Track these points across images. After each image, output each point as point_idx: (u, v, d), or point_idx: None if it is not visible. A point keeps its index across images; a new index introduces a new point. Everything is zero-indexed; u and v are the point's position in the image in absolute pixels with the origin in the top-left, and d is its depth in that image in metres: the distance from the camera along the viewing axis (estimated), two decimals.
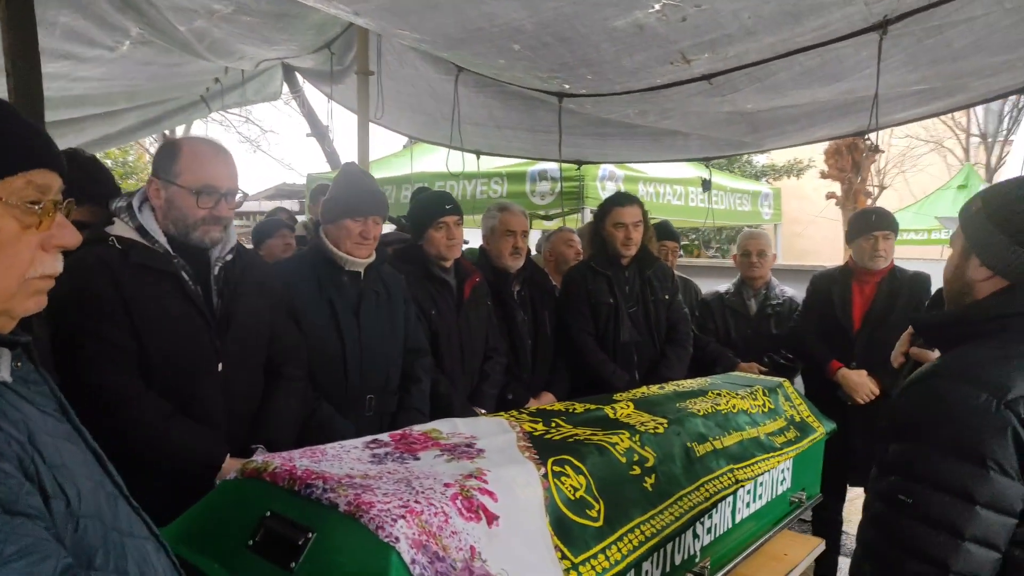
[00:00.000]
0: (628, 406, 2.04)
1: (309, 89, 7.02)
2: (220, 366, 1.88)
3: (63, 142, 2.87)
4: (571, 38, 3.21)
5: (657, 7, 2.88)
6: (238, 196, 1.94)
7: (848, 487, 3.50)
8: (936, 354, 1.58)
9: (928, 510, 1.11)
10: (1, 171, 0.87)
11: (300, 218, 6.93)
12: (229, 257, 1.96)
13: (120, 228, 1.81)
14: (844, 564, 3.89)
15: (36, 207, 0.89)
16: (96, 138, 6.01)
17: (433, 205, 2.83)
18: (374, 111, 4.89)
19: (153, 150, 14.51)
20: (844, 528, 3.70)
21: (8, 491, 0.78)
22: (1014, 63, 3.30)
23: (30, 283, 0.91)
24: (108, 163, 12.22)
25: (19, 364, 0.93)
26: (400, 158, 7.25)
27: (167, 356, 1.79)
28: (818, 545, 2.38)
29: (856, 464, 3.27)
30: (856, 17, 2.92)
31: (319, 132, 8.63)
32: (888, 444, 1.29)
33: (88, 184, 2.10)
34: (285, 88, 6.63)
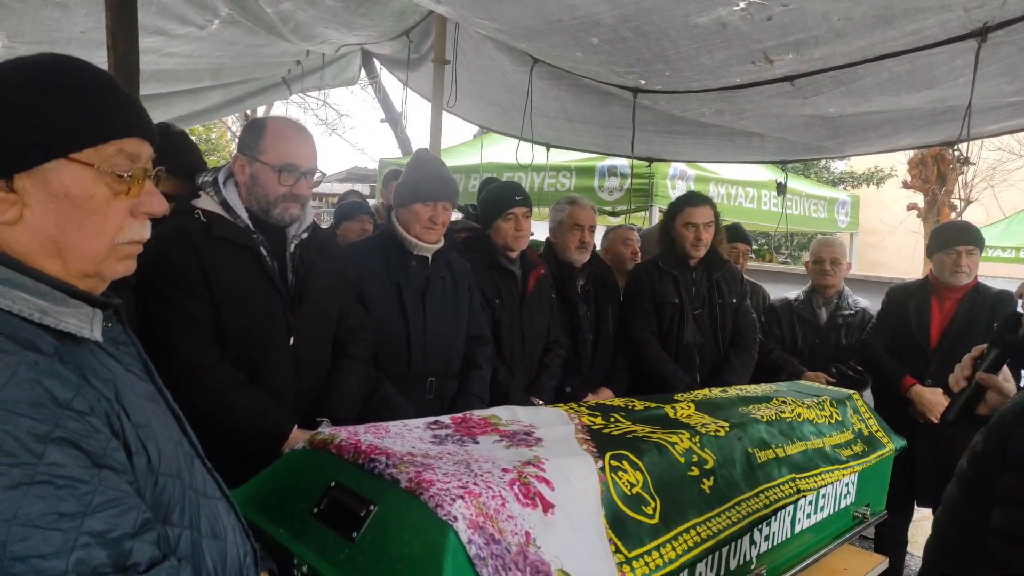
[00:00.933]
0: (689, 407, 2.02)
1: (385, 76, 7.16)
2: (291, 340, 1.94)
3: (151, 117, 3.00)
4: (650, 33, 3.17)
5: (742, 5, 2.82)
6: (316, 175, 1.99)
7: (915, 507, 3.37)
8: (1004, 380, 1.50)
9: None
10: (94, 138, 0.91)
11: (371, 202, 7.09)
12: (305, 235, 2.02)
13: (205, 202, 1.89)
14: None
15: (127, 174, 0.94)
16: (182, 115, 6.28)
17: (503, 195, 2.85)
18: (447, 99, 4.94)
19: (235, 129, 15.03)
20: (909, 549, 3.57)
21: (97, 445, 0.82)
22: None
23: (120, 248, 0.96)
24: (192, 139, 12.75)
25: (109, 324, 0.98)
26: (470, 147, 7.30)
27: (242, 328, 1.86)
28: (881, 563, 2.31)
29: (924, 484, 3.15)
30: (954, 23, 2.79)
31: (393, 118, 8.79)
32: (982, 471, 1.23)
33: (176, 157, 2.20)
34: (363, 73, 6.77)
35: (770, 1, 2.74)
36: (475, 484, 1.26)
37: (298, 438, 1.87)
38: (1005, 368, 1.51)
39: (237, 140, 2.05)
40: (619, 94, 4.18)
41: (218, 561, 1.01)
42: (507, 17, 3.37)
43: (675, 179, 5.35)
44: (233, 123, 14.52)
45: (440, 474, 1.29)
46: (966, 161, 3.41)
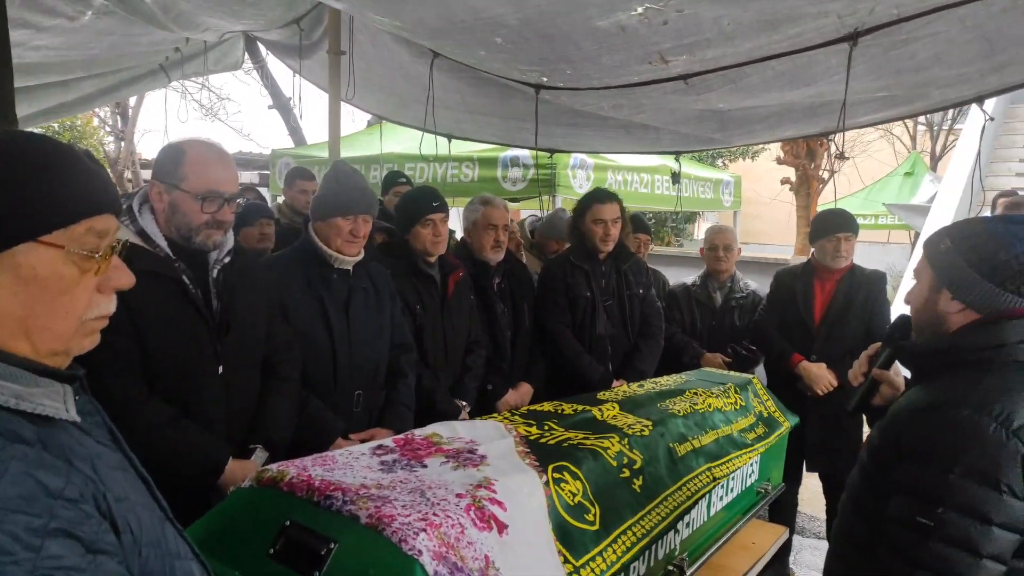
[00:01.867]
0: (614, 407, 2.14)
1: (273, 61, 6.89)
2: (220, 368, 1.91)
3: (18, 110, 2.78)
4: (553, 35, 3.25)
5: (640, 10, 2.94)
6: (239, 200, 1.95)
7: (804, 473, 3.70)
8: (896, 376, 1.70)
9: (950, 531, 1.21)
10: (64, 219, 0.89)
11: (264, 192, 6.83)
12: (227, 259, 1.97)
13: (121, 232, 1.80)
14: (798, 541, 4.14)
15: (96, 254, 0.92)
16: (52, 106, 5.81)
17: (420, 202, 2.86)
18: (345, 90, 4.84)
19: (104, 115, 13.96)
20: (798, 509, 3.92)
21: (90, 531, 0.82)
22: (969, 75, 3.48)
23: (87, 324, 0.95)
24: (55, 127, 11.74)
25: (77, 397, 0.96)
26: (368, 136, 7.18)
27: (170, 361, 1.81)
28: (783, 533, 2.55)
29: (813, 451, 3.47)
30: (829, 28, 3.03)
31: (281, 105, 8.48)
32: (879, 461, 1.40)
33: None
34: (247, 58, 6.48)
35: (666, 7, 2.88)
36: (435, 515, 1.31)
37: (234, 469, 1.86)
38: (897, 364, 1.71)
39: (152, 166, 1.95)
40: (521, 89, 4.24)
41: None
42: (408, 16, 3.35)
43: (576, 168, 5.50)
44: (100, 109, 13.51)
45: (399, 507, 1.34)
46: (843, 156, 3.72)
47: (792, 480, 3.57)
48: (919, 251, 1.51)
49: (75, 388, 0.96)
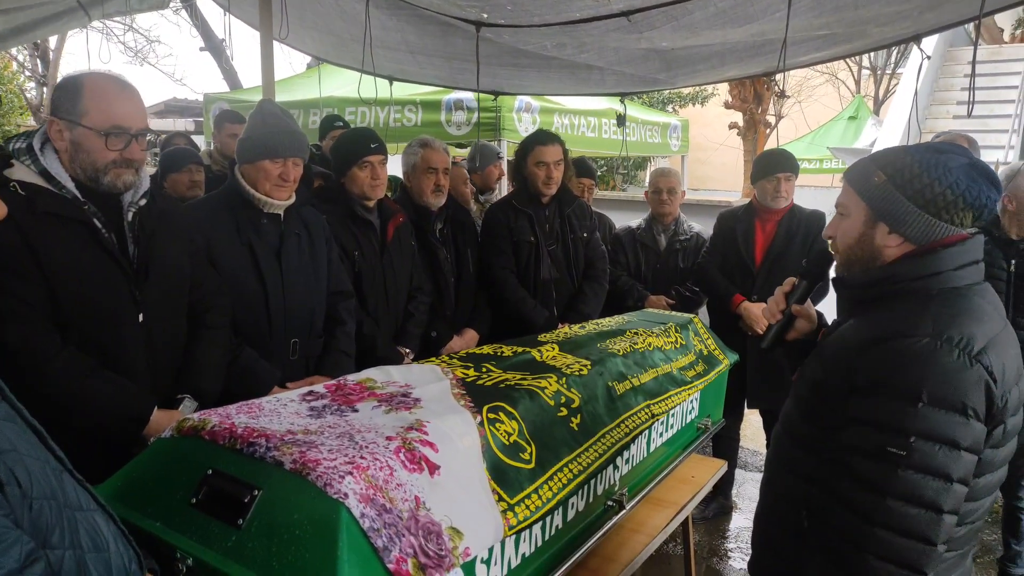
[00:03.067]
0: (553, 348, 2.13)
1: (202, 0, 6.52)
2: (140, 316, 1.82)
3: None
4: None
5: None
6: (149, 136, 1.83)
7: (745, 408, 3.80)
8: (810, 309, 1.70)
9: (921, 459, 1.22)
10: None
11: (199, 140, 6.55)
12: (143, 202, 1.86)
13: (22, 172, 1.68)
14: (740, 475, 4.28)
15: None
16: None
17: (357, 143, 2.75)
18: (278, 29, 4.60)
19: (22, 59, 13.12)
20: (741, 444, 4.05)
21: None
22: (907, 13, 3.48)
23: None
24: None
25: None
26: (307, 79, 6.89)
27: (84, 309, 1.71)
28: (721, 467, 2.61)
29: (754, 388, 3.55)
30: None
31: (214, 47, 8.08)
32: (824, 395, 1.40)
33: None
34: None
35: None
36: (362, 458, 1.28)
37: (160, 419, 1.79)
38: (808, 300, 1.71)
39: (50, 99, 1.81)
40: (462, 27, 4.10)
41: (104, 573, 0.98)
42: None
43: (521, 112, 5.39)
44: (19, 52, 12.66)
45: (325, 451, 1.30)
46: (782, 94, 3.72)
47: (734, 416, 3.67)
48: (844, 188, 1.49)
49: None
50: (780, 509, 1.53)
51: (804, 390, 1.49)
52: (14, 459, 0.87)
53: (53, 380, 1.63)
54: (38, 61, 12.97)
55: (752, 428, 4.74)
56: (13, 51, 12.20)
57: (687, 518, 2.63)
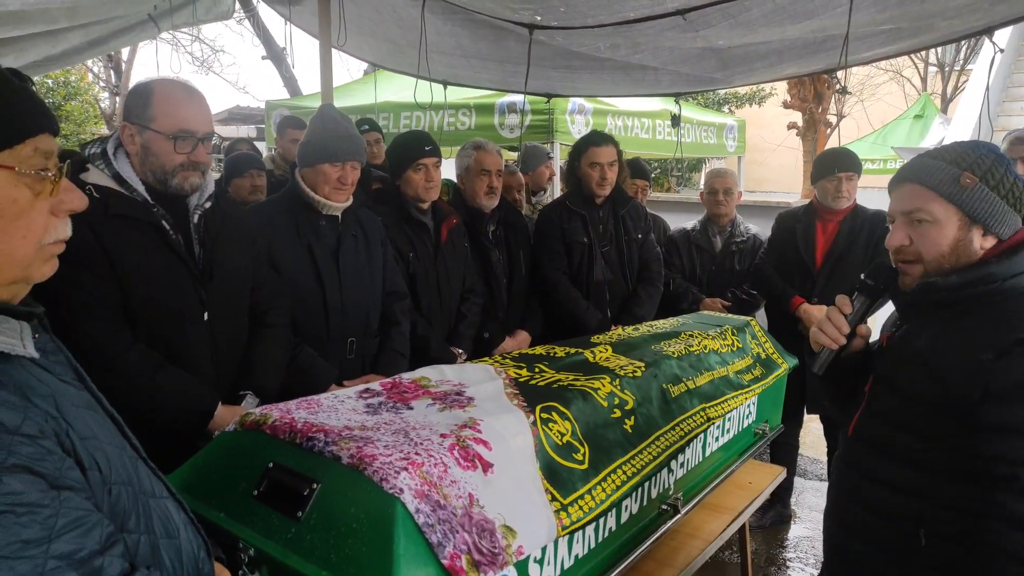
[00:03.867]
0: (607, 350, 2.12)
1: (264, 10, 6.71)
2: (206, 315, 1.88)
3: (4, 62, 2.71)
4: None
5: None
6: (214, 140, 1.90)
7: (805, 414, 3.70)
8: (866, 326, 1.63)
9: None
10: (9, 140, 0.87)
11: (261, 147, 6.75)
12: (208, 204, 1.93)
13: (96, 176, 1.76)
14: (799, 483, 4.17)
15: (47, 174, 0.90)
16: (38, 59, 5.68)
17: (412, 146, 2.80)
18: (336, 37, 4.71)
19: (97, 70, 13.75)
20: (801, 452, 3.94)
21: (52, 467, 0.81)
22: (977, 5, 3.34)
23: (45, 248, 0.93)
24: (48, 83, 11.57)
25: (37, 336, 0.94)
26: (363, 85, 7.03)
27: (152, 307, 1.78)
28: (780, 473, 2.55)
29: (813, 394, 3.45)
30: None
31: (275, 55, 8.29)
32: (912, 402, 1.36)
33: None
34: (238, 7, 6.31)
35: None
36: (417, 454, 1.30)
37: (224, 414, 1.85)
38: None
39: (123, 106, 1.90)
40: (515, 30, 4.12)
41: (175, 559, 1.02)
42: None
43: (574, 114, 5.38)
44: (94, 64, 13.28)
45: (381, 447, 1.32)
46: (845, 91, 3.61)
47: (793, 422, 3.57)
48: (915, 192, 1.42)
49: (33, 326, 0.94)
50: (867, 522, 1.47)
51: (893, 400, 1.43)
52: (95, 446, 0.91)
53: (124, 374, 1.70)
54: (111, 72, 13.59)
55: (812, 435, 4.61)
56: (89, 63, 12.81)
57: (744, 525, 2.57)
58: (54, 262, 0.96)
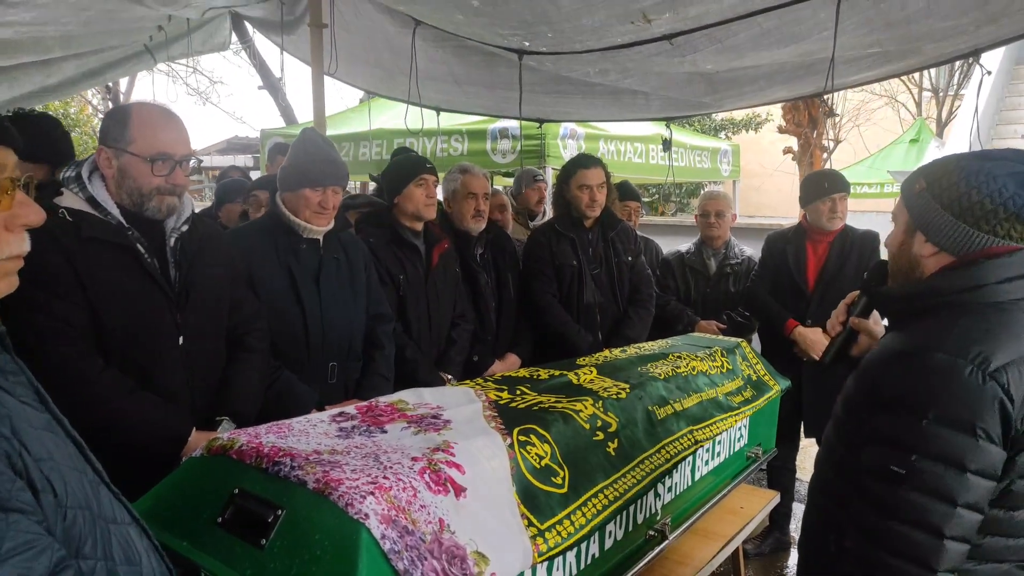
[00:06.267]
0: (591, 371, 2.08)
1: (260, 40, 6.78)
2: (181, 339, 1.85)
3: None
4: None
5: None
6: (192, 162, 1.88)
7: (802, 438, 3.64)
8: (874, 323, 1.63)
9: (923, 480, 1.15)
10: None
11: (255, 175, 6.77)
12: (185, 228, 1.91)
13: (70, 199, 1.74)
14: (797, 509, 4.08)
15: None
16: (33, 90, 5.73)
17: (413, 162, 2.85)
18: (328, 64, 4.74)
19: (96, 102, 13.88)
20: (797, 476, 3.87)
21: (1, 488, 0.77)
22: (964, 28, 3.36)
23: (0, 265, 0.89)
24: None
25: None
26: (358, 113, 7.08)
27: (126, 332, 1.75)
28: (773, 498, 2.49)
29: (810, 416, 3.40)
30: None
31: (271, 84, 8.37)
32: (852, 412, 1.33)
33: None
34: (234, 38, 6.38)
35: None
36: (385, 478, 1.26)
37: (198, 440, 1.80)
38: (875, 313, 1.63)
39: (98, 131, 1.89)
40: (505, 56, 4.15)
41: None
42: None
43: (566, 139, 5.40)
44: (93, 96, 13.40)
45: (348, 471, 1.28)
46: (833, 113, 3.61)
47: (789, 446, 3.52)
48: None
49: None
50: (815, 533, 1.44)
51: (840, 409, 1.41)
52: (50, 468, 0.88)
53: (94, 399, 1.66)
54: (110, 103, 13.71)
55: (810, 459, 4.52)
56: (88, 95, 12.94)
57: (739, 552, 2.51)
58: (12, 279, 0.93)
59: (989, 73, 3.88)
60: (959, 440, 1.14)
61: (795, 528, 3.88)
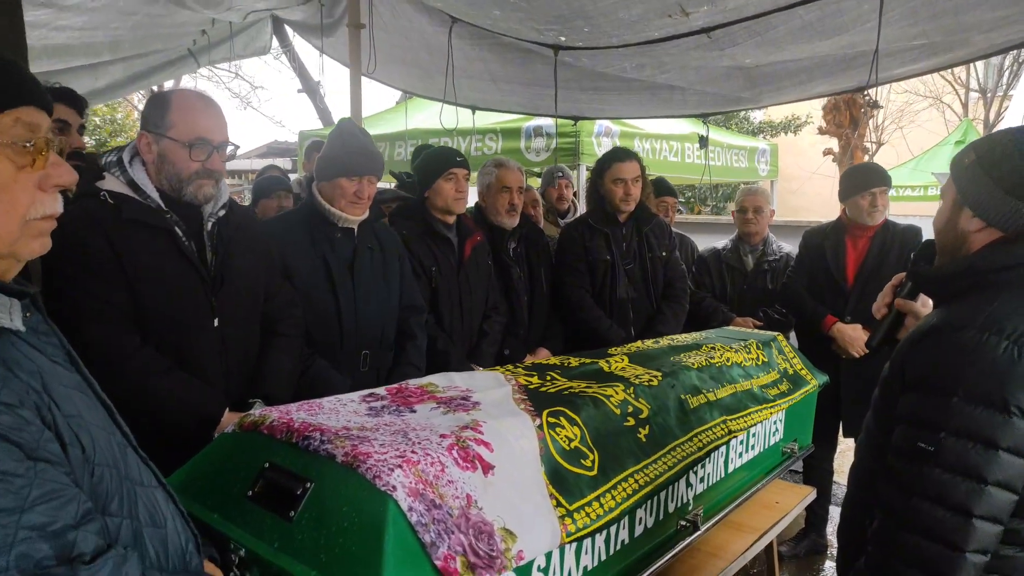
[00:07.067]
0: (623, 360, 2.06)
1: (300, 44, 6.89)
2: (216, 322, 1.88)
3: None
4: None
5: None
6: (229, 149, 1.91)
7: (840, 438, 3.55)
8: (921, 305, 1.58)
9: (952, 457, 1.12)
10: None
11: (293, 176, 6.88)
12: (222, 213, 1.94)
13: (111, 183, 1.78)
14: (835, 512, 3.97)
15: (28, 145, 0.89)
16: (82, 93, 5.89)
17: (443, 156, 2.84)
18: (366, 65, 4.80)
19: (142, 107, 14.28)
20: (835, 478, 3.77)
21: (30, 438, 0.80)
22: (1015, 17, 3.25)
23: (32, 224, 0.92)
24: (96, 120, 12.01)
25: (28, 314, 0.94)
26: (395, 114, 7.14)
27: (162, 312, 1.78)
28: (809, 493, 2.44)
29: (849, 416, 3.32)
30: None
31: (310, 88, 8.50)
32: (887, 394, 1.30)
33: None
34: (275, 42, 6.50)
35: None
36: (413, 452, 1.26)
37: (230, 421, 1.82)
38: (923, 295, 1.58)
39: (140, 116, 1.93)
40: (541, 52, 4.15)
41: (160, 549, 0.99)
42: None
43: (600, 136, 5.37)
44: (139, 101, 13.76)
45: (377, 445, 1.28)
46: (875, 105, 3.53)
47: (827, 446, 3.43)
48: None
49: (25, 304, 0.94)
50: (852, 519, 1.41)
51: (877, 391, 1.37)
52: (79, 424, 0.90)
53: (130, 377, 1.69)
54: None
55: (848, 461, 4.42)
56: (135, 100, 13.30)
57: (773, 550, 2.46)
58: (45, 240, 0.95)
59: None
60: (990, 417, 1.11)
61: (831, 532, 3.78)
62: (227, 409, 1.84)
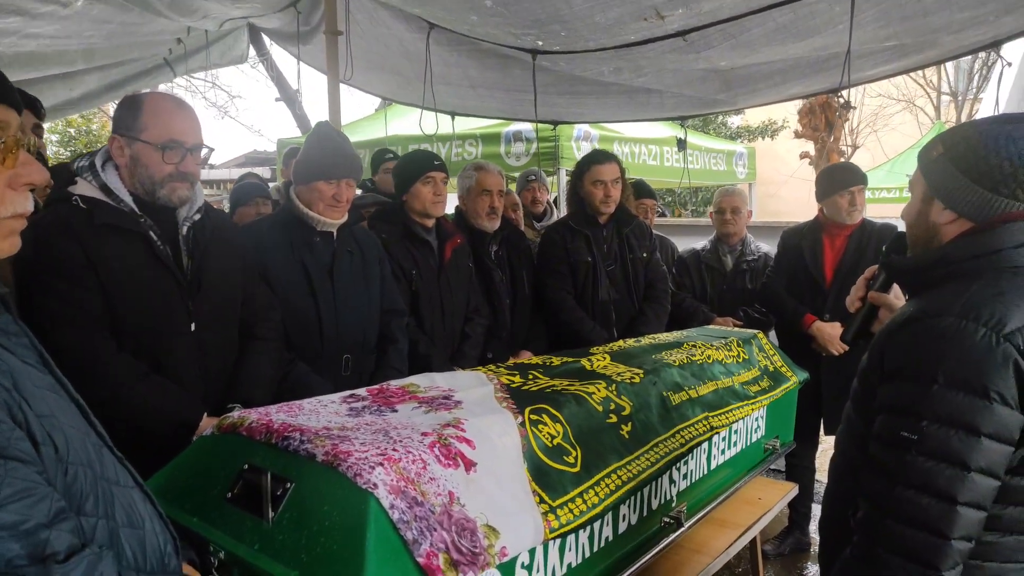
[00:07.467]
0: (604, 358, 2.06)
1: (277, 52, 6.85)
2: (193, 327, 1.86)
3: None
4: None
5: None
6: (204, 152, 1.89)
7: (822, 436, 3.58)
8: (895, 298, 1.60)
9: (934, 444, 1.13)
10: None
11: (272, 184, 6.84)
12: (197, 217, 1.92)
13: (83, 187, 1.76)
14: (818, 510, 4.00)
15: None
16: (56, 103, 5.83)
17: (421, 160, 2.83)
18: (343, 71, 4.78)
19: None
20: (817, 476, 3.80)
21: (0, 436, 0.77)
22: (983, 18, 3.31)
23: (2, 223, 0.90)
24: (71, 131, 11.89)
25: None
26: (374, 121, 7.13)
27: (138, 317, 1.76)
28: (791, 489, 2.45)
29: (829, 413, 3.34)
30: None
31: (288, 96, 8.44)
32: (866, 385, 1.31)
33: None
34: (252, 51, 6.46)
35: None
36: (394, 450, 1.25)
37: (208, 425, 1.80)
38: (896, 287, 1.60)
39: (112, 120, 1.91)
40: (519, 56, 4.16)
41: (137, 550, 0.97)
42: None
43: (580, 140, 5.40)
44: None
45: (358, 444, 1.27)
46: (848, 106, 3.58)
47: (808, 444, 3.45)
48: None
49: None
50: (834, 510, 1.41)
51: (856, 382, 1.38)
52: (52, 424, 0.88)
53: (106, 383, 1.67)
54: None
55: (830, 458, 4.46)
56: (110, 111, 13.17)
57: (756, 547, 2.47)
58: (15, 239, 0.94)
59: (1009, 65, 3.82)
60: (970, 403, 1.11)
61: (815, 529, 3.80)
62: (205, 414, 1.81)
